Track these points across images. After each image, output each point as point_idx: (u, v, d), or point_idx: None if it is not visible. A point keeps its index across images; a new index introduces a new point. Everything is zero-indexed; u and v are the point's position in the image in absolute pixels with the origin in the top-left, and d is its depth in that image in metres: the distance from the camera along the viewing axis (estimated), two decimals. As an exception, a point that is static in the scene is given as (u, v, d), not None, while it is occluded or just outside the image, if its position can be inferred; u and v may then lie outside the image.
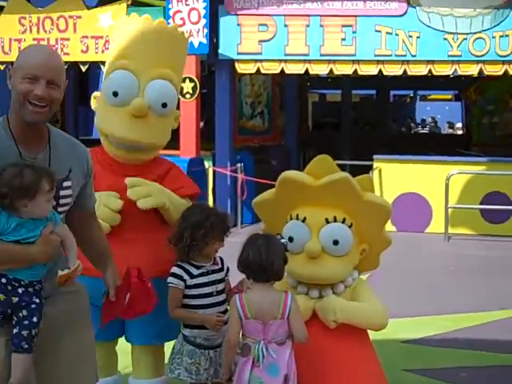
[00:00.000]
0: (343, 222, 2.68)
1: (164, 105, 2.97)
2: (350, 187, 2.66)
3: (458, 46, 8.27)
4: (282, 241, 2.63)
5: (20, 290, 2.12)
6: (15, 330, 2.11)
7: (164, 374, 2.98)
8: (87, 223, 2.43)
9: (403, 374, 3.86)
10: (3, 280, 2.11)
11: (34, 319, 2.12)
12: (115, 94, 2.91)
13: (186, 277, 2.71)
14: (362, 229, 2.73)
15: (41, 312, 2.15)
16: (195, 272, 2.73)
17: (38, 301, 2.14)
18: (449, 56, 8.33)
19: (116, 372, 3.10)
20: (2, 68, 10.21)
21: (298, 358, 2.51)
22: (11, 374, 2.10)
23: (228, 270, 2.82)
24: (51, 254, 2.14)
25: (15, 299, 2.12)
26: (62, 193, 2.22)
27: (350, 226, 2.69)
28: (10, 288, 2.12)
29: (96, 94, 3.09)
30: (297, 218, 2.71)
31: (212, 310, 2.70)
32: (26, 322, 2.11)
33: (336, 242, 2.65)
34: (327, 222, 2.67)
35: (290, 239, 2.69)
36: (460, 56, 8.30)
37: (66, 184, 2.24)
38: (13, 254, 2.10)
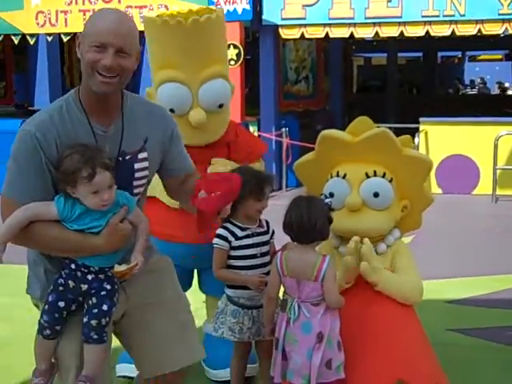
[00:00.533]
0: (383, 176, 2.69)
1: (220, 105, 3.02)
2: (388, 141, 2.66)
3: (509, 4, 8.05)
4: (327, 200, 2.61)
5: (89, 277, 2.01)
6: (85, 319, 2.02)
7: None
8: (188, 183, 2.28)
9: (447, 333, 3.91)
10: (72, 266, 2.01)
11: (104, 307, 2.01)
12: (172, 110, 2.86)
13: (230, 238, 2.76)
14: (403, 184, 2.73)
15: (112, 299, 2.04)
16: (240, 233, 2.76)
17: (109, 287, 2.03)
18: (499, 15, 8.13)
19: None
20: (50, 39, 10.43)
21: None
22: (84, 365, 2.04)
23: (273, 232, 2.85)
24: (118, 245, 2.01)
25: (84, 286, 2.02)
26: (136, 166, 2.11)
27: (390, 181, 2.70)
28: (79, 274, 2.02)
29: (150, 89, 3.09)
30: (337, 175, 2.74)
31: (255, 272, 2.74)
32: (95, 311, 2.01)
33: (376, 195, 2.66)
34: (367, 176, 2.69)
35: (331, 195, 2.70)
36: (511, 14, 8.09)
37: (141, 156, 2.12)
38: (74, 243, 1.97)
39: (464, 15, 8.26)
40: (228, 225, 2.78)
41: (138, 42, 2.07)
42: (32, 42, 10.36)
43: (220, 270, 2.77)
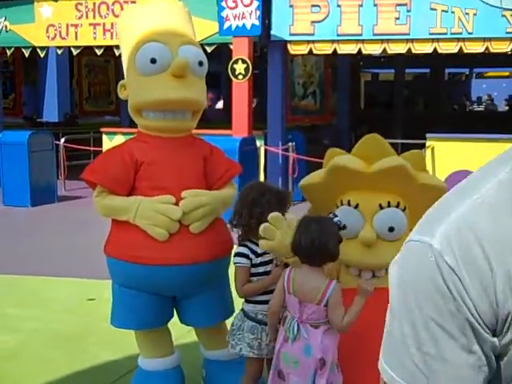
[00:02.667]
0: (397, 206, 2.58)
1: (200, 63, 2.95)
2: (405, 173, 2.54)
3: (517, 23, 8.11)
4: (336, 220, 2.52)
5: None
6: None
7: None
8: None
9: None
10: None
11: None
12: (153, 60, 2.85)
13: (251, 255, 2.76)
14: (416, 210, 2.55)
15: None
16: (259, 250, 2.76)
17: None
18: (507, 33, 8.14)
19: (173, 350, 3.16)
20: (60, 53, 10.54)
21: (346, 339, 2.43)
22: None
23: None
24: None
25: None
26: None
27: (403, 210, 2.59)
28: None
29: (122, 81, 3.04)
30: (348, 204, 2.61)
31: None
32: None
33: (392, 229, 2.55)
34: (381, 207, 2.56)
35: (344, 227, 2.57)
36: (519, 32, 8.14)
37: None
38: None
39: (472, 33, 8.29)
40: (247, 243, 2.79)
41: None
42: (42, 55, 10.48)
43: (244, 286, 2.77)
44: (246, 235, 2.78)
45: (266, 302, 2.73)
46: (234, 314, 2.99)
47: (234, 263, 2.77)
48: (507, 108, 22.78)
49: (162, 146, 2.93)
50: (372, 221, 2.57)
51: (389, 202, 2.57)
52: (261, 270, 2.77)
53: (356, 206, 2.59)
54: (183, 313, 3.08)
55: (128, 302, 2.95)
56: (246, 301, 2.83)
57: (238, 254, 2.77)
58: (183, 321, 3.13)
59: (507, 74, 25.89)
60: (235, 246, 2.93)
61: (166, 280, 2.86)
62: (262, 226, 2.58)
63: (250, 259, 2.76)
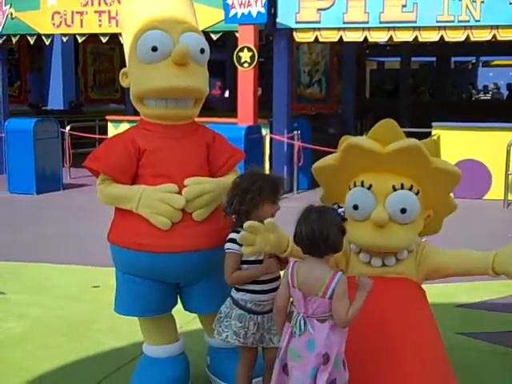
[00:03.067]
0: (410, 189, 2.57)
1: (202, 50, 2.93)
2: (420, 154, 2.53)
3: (525, 10, 8.05)
4: (340, 210, 2.46)
5: None
6: None
7: None
8: None
9: (456, 336, 3.91)
10: None
11: None
12: (154, 48, 2.83)
13: None
14: (429, 195, 2.61)
15: None
16: None
17: None
18: (514, 20, 8.12)
19: (178, 337, 3.17)
20: (65, 40, 10.52)
21: (351, 332, 2.39)
22: None
23: None
24: None
25: None
26: None
27: (416, 193, 2.58)
28: None
29: (124, 69, 3.02)
30: (362, 185, 2.60)
31: (266, 276, 2.74)
32: None
33: (404, 211, 2.54)
34: (394, 189, 2.55)
35: (355, 207, 2.58)
36: (526, 20, 8.08)
37: None
38: None
39: (479, 21, 8.25)
40: (240, 229, 2.73)
41: None
42: (47, 43, 10.46)
43: (233, 274, 2.74)
44: (238, 222, 2.75)
45: (256, 292, 2.74)
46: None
47: (226, 249, 2.75)
48: (507, 93, 22.60)
49: (164, 134, 2.92)
50: (385, 202, 2.56)
51: (402, 184, 2.56)
52: (252, 257, 2.73)
53: (369, 187, 2.58)
54: (186, 300, 3.09)
55: (132, 289, 2.95)
56: (236, 289, 2.80)
57: (229, 240, 2.74)
58: (186, 307, 3.14)
59: (514, 62, 25.68)
60: None
61: (170, 267, 2.87)
62: (239, 235, 2.58)
63: (242, 245, 2.71)
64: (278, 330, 2.57)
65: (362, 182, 2.60)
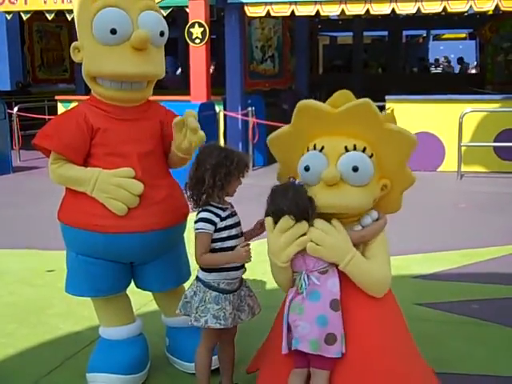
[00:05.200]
0: (363, 151, 2.53)
1: (161, 33, 2.86)
2: (370, 113, 2.50)
3: (474, -18, 8.10)
4: (297, 182, 2.51)
5: None
6: None
7: None
8: None
9: (414, 307, 3.95)
10: None
11: None
12: (113, 31, 2.73)
13: (216, 219, 2.65)
14: (384, 162, 2.58)
15: None
16: (223, 214, 2.67)
17: None
18: (464, -8, 8.17)
19: (134, 318, 3.12)
20: (9, 18, 10.19)
21: None
22: None
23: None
24: None
25: None
26: None
27: (370, 156, 2.54)
28: None
29: (76, 43, 2.87)
30: (314, 148, 2.57)
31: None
32: None
33: (356, 169, 2.49)
34: (346, 150, 2.52)
35: (306, 169, 2.55)
36: (476, -9, 8.13)
37: None
38: None
39: (429, -8, 8.28)
40: (209, 207, 2.67)
41: None
42: (-9, 21, 10.10)
43: (204, 255, 2.65)
44: (207, 200, 2.67)
45: (228, 270, 2.68)
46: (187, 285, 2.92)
47: (196, 229, 2.65)
48: (459, 67, 22.96)
49: (118, 116, 2.84)
50: (337, 162, 2.52)
51: (355, 146, 2.53)
52: (224, 234, 2.66)
53: (321, 149, 2.55)
54: (139, 278, 3.05)
55: (86, 270, 2.89)
56: (205, 270, 2.71)
57: (201, 220, 2.65)
58: (139, 285, 3.10)
59: (464, 35, 26.08)
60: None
61: (127, 248, 2.82)
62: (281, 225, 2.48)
63: (215, 224, 2.65)
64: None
65: (315, 146, 2.58)
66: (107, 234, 2.77)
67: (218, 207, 2.69)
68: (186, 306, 2.76)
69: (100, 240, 2.78)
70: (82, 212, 2.81)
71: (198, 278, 2.75)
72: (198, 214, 2.70)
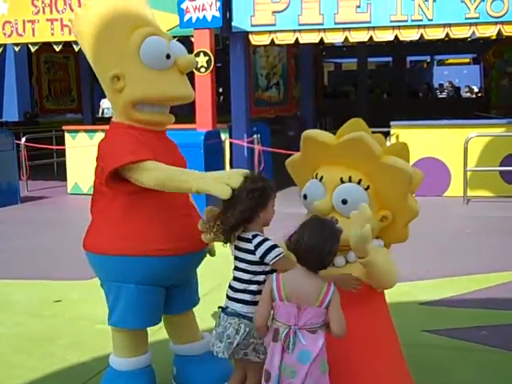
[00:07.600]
0: (359, 182, 2.56)
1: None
2: (364, 146, 2.53)
3: (476, 8, 8.16)
4: (337, 226, 2.42)
5: None
6: None
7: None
8: None
9: (422, 334, 3.92)
10: None
11: None
12: (168, 56, 2.87)
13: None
14: (382, 193, 2.59)
15: None
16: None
17: None
18: (466, 18, 8.23)
19: (148, 348, 3.10)
20: (17, 50, 10.33)
21: None
22: None
23: None
24: None
25: None
26: None
27: (366, 189, 2.56)
28: None
29: (116, 72, 2.83)
30: (315, 177, 2.66)
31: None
32: None
33: (344, 202, 2.53)
34: (342, 181, 2.57)
35: (304, 196, 2.63)
36: (478, 18, 8.19)
37: None
38: None
39: (432, 20, 8.36)
40: (259, 234, 2.59)
41: None
42: (-1, 53, 10.24)
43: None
44: (248, 226, 2.60)
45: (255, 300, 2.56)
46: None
47: (277, 255, 2.49)
48: (469, 95, 23.09)
49: (152, 136, 2.90)
50: (332, 194, 2.60)
51: (350, 177, 2.59)
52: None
53: (321, 179, 2.64)
54: (176, 301, 3.06)
55: (146, 300, 2.87)
56: (250, 303, 2.57)
57: (275, 246, 2.51)
58: (173, 310, 3.08)
59: (468, 60, 26.20)
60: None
61: (183, 269, 2.93)
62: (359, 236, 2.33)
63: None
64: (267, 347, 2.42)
65: (316, 174, 2.68)
66: (168, 257, 2.80)
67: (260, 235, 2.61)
68: (229, 348, 2.59)
69: (163, 264, 2.79)
70: (143, 238, 2.79)
71: (236, 315, 2.59)
72: (256, 241, 2.54)
